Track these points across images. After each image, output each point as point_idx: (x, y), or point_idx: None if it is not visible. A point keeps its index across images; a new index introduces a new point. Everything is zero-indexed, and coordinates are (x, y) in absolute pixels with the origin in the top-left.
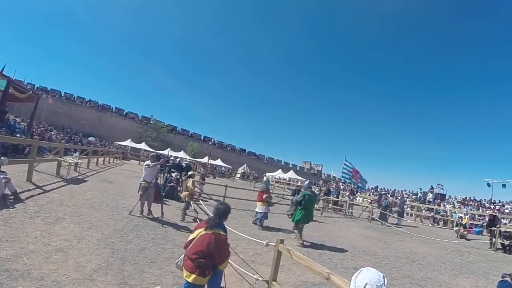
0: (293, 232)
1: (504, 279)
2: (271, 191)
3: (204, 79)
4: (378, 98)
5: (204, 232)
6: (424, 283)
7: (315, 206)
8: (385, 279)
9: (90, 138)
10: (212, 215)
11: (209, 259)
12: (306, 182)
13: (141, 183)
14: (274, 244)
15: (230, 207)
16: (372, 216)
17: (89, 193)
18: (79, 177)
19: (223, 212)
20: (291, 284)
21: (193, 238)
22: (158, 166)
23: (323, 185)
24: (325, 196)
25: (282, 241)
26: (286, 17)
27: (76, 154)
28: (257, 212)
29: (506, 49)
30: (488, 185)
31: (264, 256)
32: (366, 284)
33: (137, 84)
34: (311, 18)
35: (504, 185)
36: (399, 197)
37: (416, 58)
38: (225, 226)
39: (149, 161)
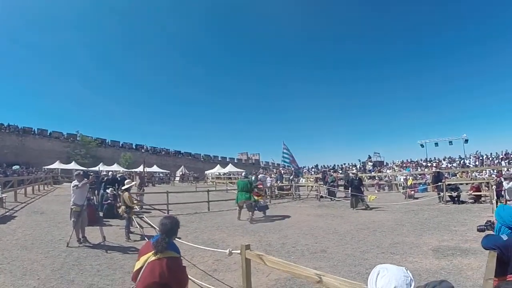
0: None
1: (485, 232)
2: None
3: (124, 88)
4: (303, 82)
5: (153, 258)
6: (395, 249)
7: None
8: (409, 272)
9: (14, 167)
10: (158, 233)
11: None
12: (244, 173)
13: (72, 208)
14: (238, 252)
15: (178, 221)
16: (321, 194)
17: (19, 231)
18: (6, 214)
19: (170, 228)
20: (264, 285)
21: (141, 267)
22: (88, 184)
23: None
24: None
25: (248, 247)
26: (193, 15)
27: None
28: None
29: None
30: (422, 146)
31: (226, 261)
32: (395, 287)
33: (56, 99)
34: (216, 15)
35: (436, 144)
36: (342, 171)
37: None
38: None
39: (76, 181)
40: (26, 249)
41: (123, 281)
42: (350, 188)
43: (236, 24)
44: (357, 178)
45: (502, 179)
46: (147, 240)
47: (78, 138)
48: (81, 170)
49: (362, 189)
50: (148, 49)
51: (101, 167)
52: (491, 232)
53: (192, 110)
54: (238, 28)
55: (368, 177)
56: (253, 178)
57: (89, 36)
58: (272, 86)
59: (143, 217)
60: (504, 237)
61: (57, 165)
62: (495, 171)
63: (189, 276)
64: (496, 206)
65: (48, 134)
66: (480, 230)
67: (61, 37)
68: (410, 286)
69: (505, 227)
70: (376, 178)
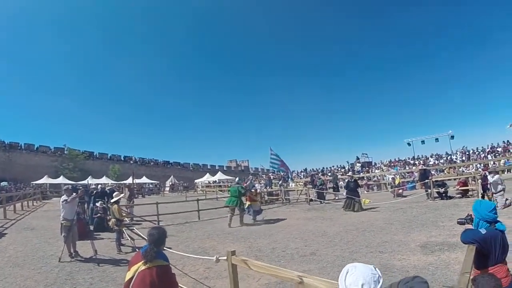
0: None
1: (465, 225)
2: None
3: (110, 101)
4: (290, 89)
5: (143, 267)
6: (383, 248)
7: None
8: (378, 269)
9: (2, 184)
10: (147, 243)
11: None
12: (237, 179)
13: (62, 223)
14: (225, 258)
15: (165, 230)
16: (310, 198)
17: (10, 248)
18: None
19: (158, 238)
20: None
21: (132, 277)
22: (77, 199)
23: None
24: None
25: (233, 253)
26: (178, 28)
27: None
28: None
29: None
30: (409, 144)
31: (216, 268)
32: (362, 284)
33: (44, 113)
34: (201, 26)
35: (423, 141)
36: (330, 174)
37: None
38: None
39: (65, 195)
40: (18, 266)
41: None
42: (346, 191)
43: (221, 35)
44: (353, 181)
45: (487, 173)
46: (134, 254)
47: (65, 152)
48: (70, 184)
49: (359, 192)
50: (134, 58)
51: (90, 180)
52: (470, 226)
53: (180, 120)
54: (223, 40)
55: (357, 178)
56: (249, 183)
57: (75, 48)
58: (259, 94)
59: (134, 229)
60: (483, 231)
61: (45, 180)
62: (482, 165)
63: (181, 285)
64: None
65: (35, 149)
66: (460, 223)
67: (46, 49)
68: (378, 283)
69: (483, 221)
70: (365, 178)
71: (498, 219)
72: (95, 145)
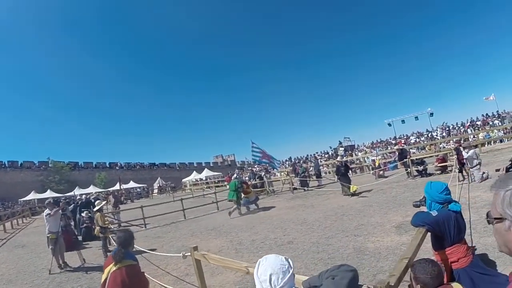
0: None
1: (420, 208)
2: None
3: (91, 109)
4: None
5: (114, 268)
6: (359, 231)
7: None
8: (289, 260)
9: None
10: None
11: None
12: (235, 174)
13: (48, 236)
14: (190, 254)
15: (132, 232)
16: (293, 186)
17: (2, 266)
18: None
19: (124, 240)
20: (231, 283)
21: (106, 279)
22: (60, 211)
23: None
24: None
25: (195, 248)
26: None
27: None
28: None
29: None
30: (389, 124)
31: None
32: (270, 275)
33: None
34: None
35: (403, 121)
36: (313, 160)
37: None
38: (139, 251)
39: (48, 209)
40: (11, 282)
41: None
42: (337, 176)
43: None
44: (343, 165)
45: (461, 148)
46: (106, 258)
47: (50, 165)
48: (52, 198)
49: (350, 175)
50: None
51: (77, 191)
52: (424, 208)
53: (163, 121)
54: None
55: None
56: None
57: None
58: (242, 90)
59: None
60: (434, 213)
61: (32, 195)
62: (454, 140)
63: (163, 284)
64: (461, 175)
65: (19, 165)
66: (415, 206)
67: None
68: (288, 273)
69: (435, 203)
70: (348, 162)
71: (452, 199)
72: (79, 156)
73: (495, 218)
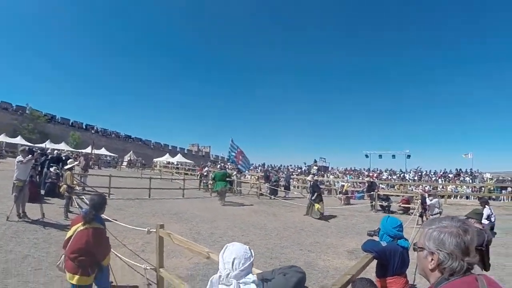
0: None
1: (373, 237)
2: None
3: (79, 62)
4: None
5: (81, 228)
6: (313, 248)
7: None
8: (252, 250)
9: None
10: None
11: (90, 256)
12: (219, 166)
13: (14, 183)
14: (155, 230)
15: (106, 198)
16: (261, 192)
17: None
18: None
19: (98, 204)
20: (184, 267)
21: (71, 236)
22: (33, 161)
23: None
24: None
25: (162, 226)
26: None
27: None
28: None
29: None
30: (366, 156)
31: (153, 244)
32: (234, 258)
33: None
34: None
35: (380, 156)
36: (285, 172)
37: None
38: (103, 218)
39: (21, 156)
40: None
41: (57, 254)
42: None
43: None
44: (317, 185)
45: (426, 196)
46: (75, 217)
47: (27, 111)
48: (26, 146)
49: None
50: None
51: (48, 145)
52: (377, 238)
53: (145, 94)
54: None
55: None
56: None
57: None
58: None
59: (84, 198)
60: (383, 244)
61: (2, 138)
62: (431, 187)
63: (118, 254)
64: (421, 220)
65: None
66: (369, 234)
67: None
68: (249, 260)
69: (386, 235)
70: (318, 182)
71: (403, 235)
72: (58, 109)
73: (419, 247)
